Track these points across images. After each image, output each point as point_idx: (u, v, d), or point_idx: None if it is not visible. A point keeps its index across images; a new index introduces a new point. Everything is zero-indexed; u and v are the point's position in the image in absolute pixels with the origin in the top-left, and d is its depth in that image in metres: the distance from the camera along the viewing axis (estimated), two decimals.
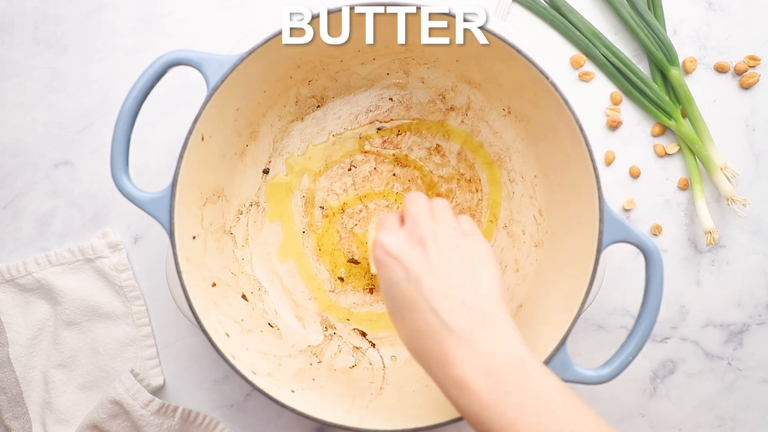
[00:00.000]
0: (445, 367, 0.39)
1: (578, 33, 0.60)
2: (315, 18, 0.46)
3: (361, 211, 0.59)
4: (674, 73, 0.59)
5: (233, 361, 0.47)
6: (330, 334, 0.59)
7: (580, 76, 0.61)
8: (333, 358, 0.57)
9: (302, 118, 0.59)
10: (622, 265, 0.60)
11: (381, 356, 0.58)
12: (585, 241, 0.48)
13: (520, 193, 0.58)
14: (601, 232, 0.46)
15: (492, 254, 0.44)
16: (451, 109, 0.59)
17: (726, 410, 0.61)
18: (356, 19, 0.48)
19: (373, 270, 0.57)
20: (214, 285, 0.52)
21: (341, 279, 0.59)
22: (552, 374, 0.39)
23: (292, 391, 0.50)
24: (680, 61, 0.60)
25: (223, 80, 0.46)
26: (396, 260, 0.42)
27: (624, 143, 0.61)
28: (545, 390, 0.37)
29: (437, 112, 0.59)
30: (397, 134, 0.59)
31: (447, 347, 0.39)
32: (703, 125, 0.59)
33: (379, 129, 0.59)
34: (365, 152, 0.59)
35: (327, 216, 0.59)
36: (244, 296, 0.56)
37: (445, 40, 0.51)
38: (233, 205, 0.57)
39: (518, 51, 0.47)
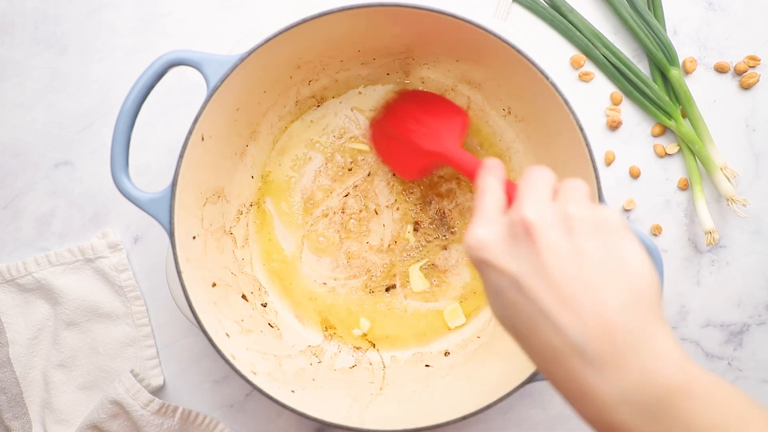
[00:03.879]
0: (585, 404, 0.30)
1: (578, 33, 0.60)
2: (315, 18, 0.46)
3: (361, 211, 0.59)
4: (674, 73, 0.59)
5: (233, 361, 0.47)
6: (330, 334, 0.59)
7: (580, 76, 0.61)
8: (333, 358, 0.57)
9: (302, 118, 0.59)
10: None
11: (381, 356, 0.58)
12: None
13: None
14: None
15: (643, 252, 0.31)
16: None
17: None
18: (356, 18, 0.48)
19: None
20: (214, 285, 0.52)
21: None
22: (742, 393, 0.29)
23: (292, 391, 0.50)
24: (680, 61, 0.60)
25: (223, 80, 0.46)
26: (489, 260, 0.32)
27: (624, 143, 0.61)
28: (737, 414, 0.28)
29: None
30: None
31: (582, 378, 0.29)
32: (703, 125, 0.59)
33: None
34: (365, 152, 0.59)
35: (327, 216, 0.59)
36: (244, 296, 0.56)
37: (446, 41, 0.51)
38: (233, 205, 0.57)
39: (518, 51, 0.47)
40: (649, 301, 0.30)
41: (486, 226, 0.33)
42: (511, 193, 0.36)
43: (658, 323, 0.30)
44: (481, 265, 0.33)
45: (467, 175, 0.42)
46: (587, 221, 0.31)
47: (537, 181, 0.34)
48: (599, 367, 0.29)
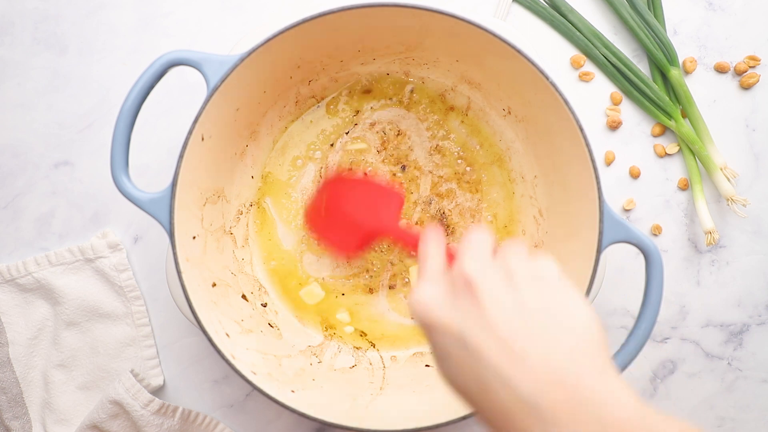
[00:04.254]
0: None
1: (578, 33, 0.60)
2: (315, 18, 0.46)
3: None
4: (674, 73, 0.59)
5: (233, 361, 0.47)
6: (330, 334, 0.59)
7: (580, 76, 0.61)
8: (333, 358, 0.57)
9: (302, 118, 0.59)
10: (622, 265, 0.60)
11: (381, 356, 0.58)
12: (585, 241, 0.48)
13: (520, 193, 0.58)
14: (601, 233, 0.46)
15: (585, 300, 0.32)
16: (451, 109, 0.59)
17: (726, 410, 0.61)
18: (356, 18, 0.48)
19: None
20: (214, 285, 0.52)
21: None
22: (698, 429, 0.29)
23: (292, 391, 0.50)
24: (680, 61, 0.60)
25: (223, 80, 0.46)
26: (433, 319, 0.32)
27: (624, 143, 0.61)
28: None
29: (437, 112, 0.59)
30: (397, 134, 0.59)
31: None
32: (703, 125, 0.59)
33: (378, 130, 0.59)
34: (365, 152, 0.59)
35: None
36: (244, 296, 0.56)
37: (446, 41, 0.51)
38: (233, 205, 0.57)
39: (518, 51, 0.47)
40: (596, 348, 0.30)
41: (427, 286, 0.33)
42: (452, 258, 0.36)
43: (608, 369, 0.29)
44: (426, 326, 0.32)
45: (410, 247, 0.43)
46: (527, 273, 0.32)
47: (476, 240, 0.34)
48: (553, 422, 0.27)
